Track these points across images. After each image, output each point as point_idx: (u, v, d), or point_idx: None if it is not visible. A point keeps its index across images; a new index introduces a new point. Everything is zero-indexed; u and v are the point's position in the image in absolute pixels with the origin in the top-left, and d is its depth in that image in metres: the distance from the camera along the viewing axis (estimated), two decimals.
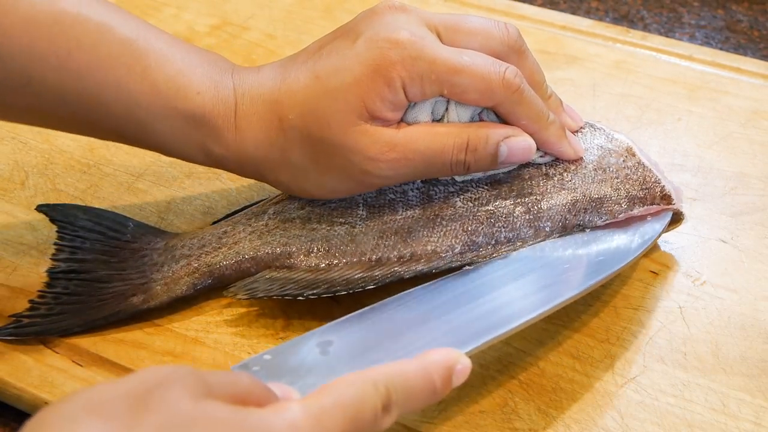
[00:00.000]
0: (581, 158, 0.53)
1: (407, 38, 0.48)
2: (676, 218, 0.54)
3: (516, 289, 0.48)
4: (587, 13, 0.83)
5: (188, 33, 0.74)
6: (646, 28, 0.81)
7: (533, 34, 0.73)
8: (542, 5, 0.83)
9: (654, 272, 0.54)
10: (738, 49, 0.78)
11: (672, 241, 0.56)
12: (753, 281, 0.54)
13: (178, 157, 0.52)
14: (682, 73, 0.69)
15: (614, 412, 0.47)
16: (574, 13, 0.81)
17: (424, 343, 0.40)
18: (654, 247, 0.55)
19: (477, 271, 0.50)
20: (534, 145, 0.51)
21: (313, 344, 0.44)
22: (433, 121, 0.50)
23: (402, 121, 0.50)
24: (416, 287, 0.49)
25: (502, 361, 0.50)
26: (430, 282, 0.50)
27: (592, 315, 0.52)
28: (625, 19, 0.83)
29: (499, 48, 0.51)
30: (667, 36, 0.79)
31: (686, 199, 0.58)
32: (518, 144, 0.51)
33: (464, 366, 0.39)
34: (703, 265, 0.55)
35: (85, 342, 0.51)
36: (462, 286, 0.49)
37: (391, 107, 0.48)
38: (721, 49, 0.77)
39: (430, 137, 0.49)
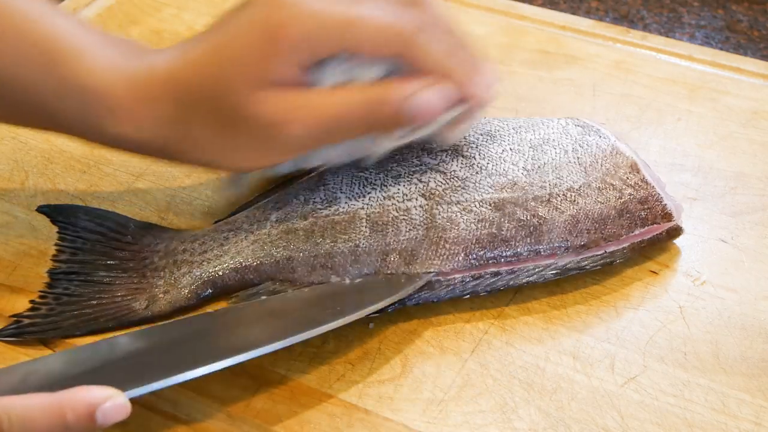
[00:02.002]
0: (586, 179, 0.53)
1: None
2: (675, 233, 0.54)
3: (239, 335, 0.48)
4: (587, 13, 0.83)
5: (188, 33, 0.74)
6: (646, 28, 0.81)
7: (533, 34, 0.73)
8: (542, 5, 0.83)
9: (654, 272, 0.54)
10: (738, 49, 0.78)
11: (672, 242, 0.56)
12: (753, 281, 0.54)
13: (80, 137, 0.52)
14: (682, 73, 0.69)
15: (614, 412, 0.47)
16: (574, 13, 0.81)
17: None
18: (654, 247, 0.55)
19: (198, 317, 0.50)
20: (446, 93, 0.48)
21: None
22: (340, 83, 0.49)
23: (306, 84, 0.48)
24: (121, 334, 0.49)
25: (502, 361, 0.50)
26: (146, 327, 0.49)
27: (592, 315, 0.52)
28: (625, 19, 0.83)
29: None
30: (667, 36, 0.79)
31: (686, 198, 0.58)
32: (427, 95, 0.48)
33: (116, 404, 0.40)
34: (703, 265, 0.55)
35: (85, 342, 0.51)
36: (176, 330, 0.49)
37: (287, 70, 0.47)
38: (721, 49, 0.77)
39: (331, 98, 0.48)
